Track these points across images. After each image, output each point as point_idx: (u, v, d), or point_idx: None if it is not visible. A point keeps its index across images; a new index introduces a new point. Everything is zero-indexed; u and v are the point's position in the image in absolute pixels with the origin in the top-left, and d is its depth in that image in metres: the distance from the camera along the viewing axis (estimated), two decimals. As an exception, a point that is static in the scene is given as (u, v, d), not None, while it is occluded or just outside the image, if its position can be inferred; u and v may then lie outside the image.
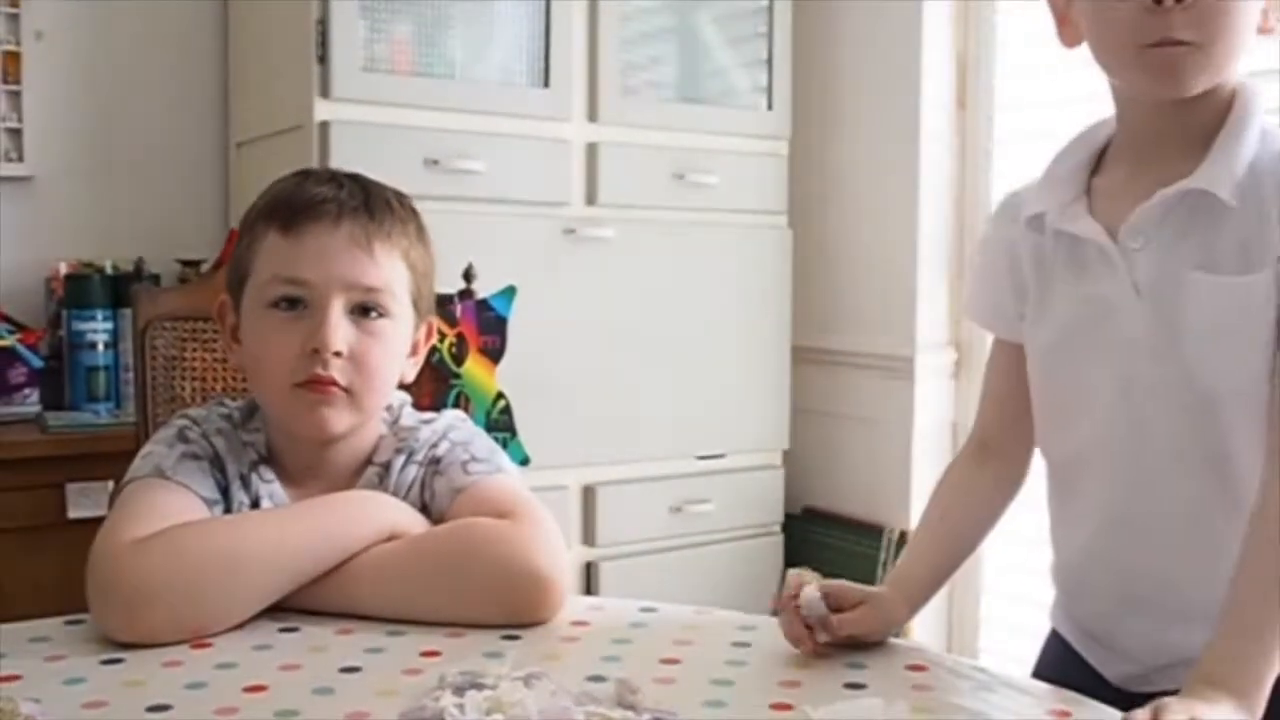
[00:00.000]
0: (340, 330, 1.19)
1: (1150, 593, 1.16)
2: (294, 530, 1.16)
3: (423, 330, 1.30)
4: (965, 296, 1.36)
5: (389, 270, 1.22)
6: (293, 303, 1.20)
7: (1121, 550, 1.20)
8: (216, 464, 1.24)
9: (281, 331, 1.20)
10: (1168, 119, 1.13)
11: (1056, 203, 1.20)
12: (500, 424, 2.24)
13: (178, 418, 1.28)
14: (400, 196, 1.28)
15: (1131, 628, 1.21)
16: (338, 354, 1.19)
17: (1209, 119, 1.12)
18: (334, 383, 1.19)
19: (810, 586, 1.08)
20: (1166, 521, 1.17)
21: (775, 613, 1.11)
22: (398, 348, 1.25)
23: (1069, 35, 1.18)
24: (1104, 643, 1.25)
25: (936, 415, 2.83)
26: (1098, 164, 1.21)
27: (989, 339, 1.37)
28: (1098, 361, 1.18)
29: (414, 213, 1.28)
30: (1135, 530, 1.19)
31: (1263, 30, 1.12)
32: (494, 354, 2.22)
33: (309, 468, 1.26)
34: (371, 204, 1.23)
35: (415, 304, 1.27)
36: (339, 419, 1.22)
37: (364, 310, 1.21)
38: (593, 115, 2.66)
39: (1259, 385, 1.10)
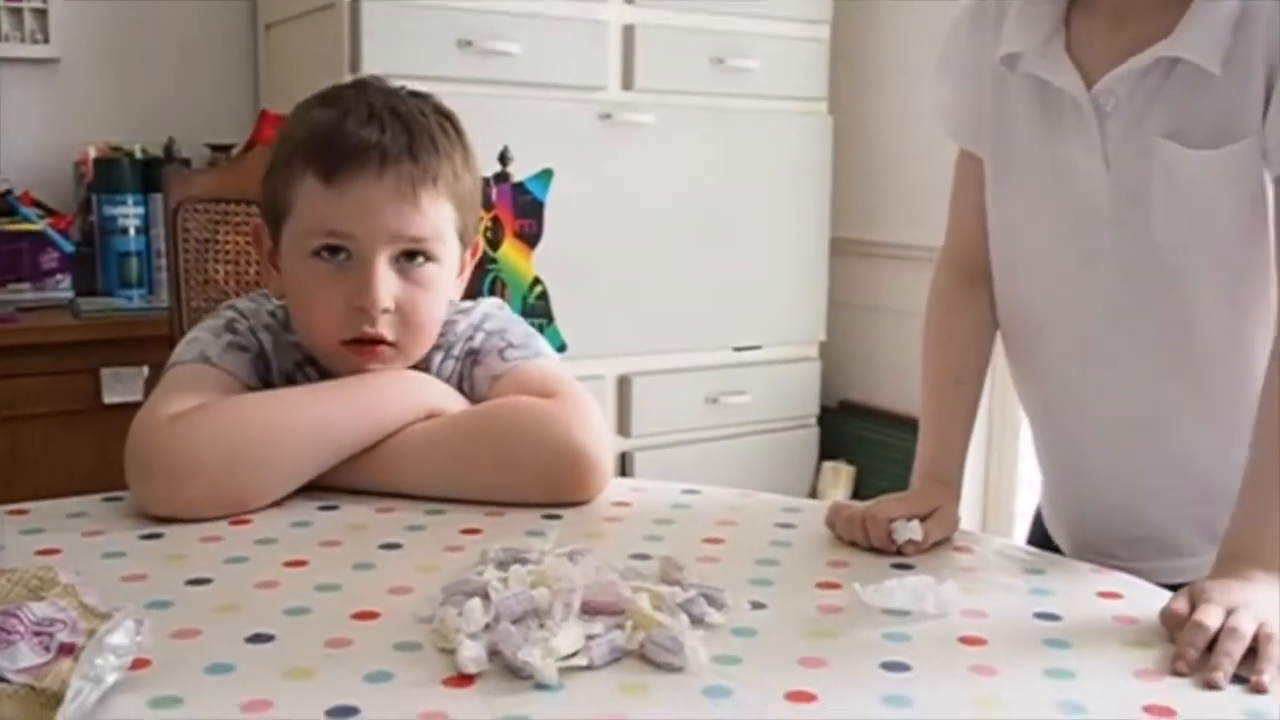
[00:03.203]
0: (386, 286, 1.15)
1: (1106, 469, 1.13)
2: (334, 405, 1.15)
3: (468, 252, 1.26)
4: (936, 100, 1.24)
5: (435, 217, 1.17)
6: (335, 251, 1.15)
7: (1074, 424, 1.17)
8: (261, 359, 1.23)
9: (326, 284, 1.16)
10: None
11: (1032, 40, 1.10)
12: (537, 310, 2.21)
13: (225, 308, 1.26)
14: (443, 121, 1.20)
15: (1091, 500, 1.20)
16: (385, 310, 1.16)
17: None
18: (382, 340, 1.17)
19: (906, 523, 1.04)
20: (1123, 394, 1.13)
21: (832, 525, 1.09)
22: (445, 289, 1.22)
23: None
24: (1064, 515, 1.24)
25: (977, 307, 2.78)
26: None
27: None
28: (1058, 227, 1.13)
29: (459, 137, 1.21)
30: (1089, 402, 1.15)
31: None
32: (530, 238, 2.18)
33: (354, 373, 1.22)
34: (416, 147, 1.16)
35: (461, 236, 1.22)
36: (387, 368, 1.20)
37: (409, 256, 1.17)
38: (630, -4, 2.60)
39: (1229, 256, 1.06)
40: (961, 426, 1.22)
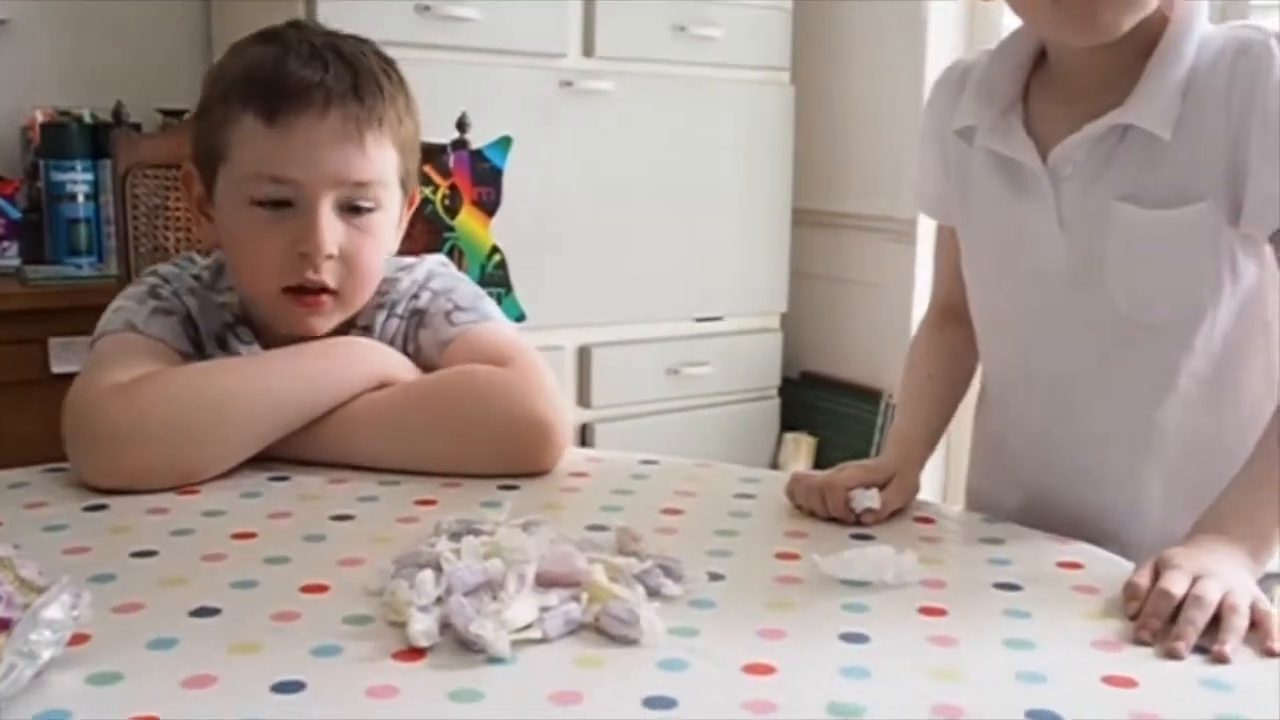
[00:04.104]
0: (331, 231, 1.12)
1: (1066, 525, 1.11)
2: (282, 374, 1.12)
3: (407, 201, 1.24)
4: (911, 177, 1.30)
5: (380, 161, 1.15)
6: (278, 201, 1.12)
7: (1040, 472, 1.18)
8: (189, 322, 1.20)
9: (267, 231, 1.13)
10: (1097, 55, 1.06)
11: (989, 115, 1.13)
12: (495, 279, 2.19)
13: (147, 274, 1.23)
14: (386, 65, 1.18)
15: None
16: (329, 256, 1.13)
17: (1142, 41, 1.04)
18: (324, 289, 1.14)
19: (864, 491, 1.03)
20: (1084, 454, 1.14)
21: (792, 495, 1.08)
22: (388, 236, 1.19)
23: None
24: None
25: (938, 278, 2.78)
26: (1038, 63, 1.14)
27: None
28: (1018, 288, 1.15)
29: (401, 82, 1.19)
30: (1051, 459, 1.16)
31: None
32: (489, 206, 2.15)
33: (282, 326, 1.19)
34: (360, 86, 1.13)
35: (403, 183, 1.20)
36: (327, 323, 1.17)
37: (354, 205, 1.14)
38: (591, -38, 2.56)
39: (1194, 317, 1.07)
40: (929, 405, 1.24)
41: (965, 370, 1.28)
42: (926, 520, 1.07)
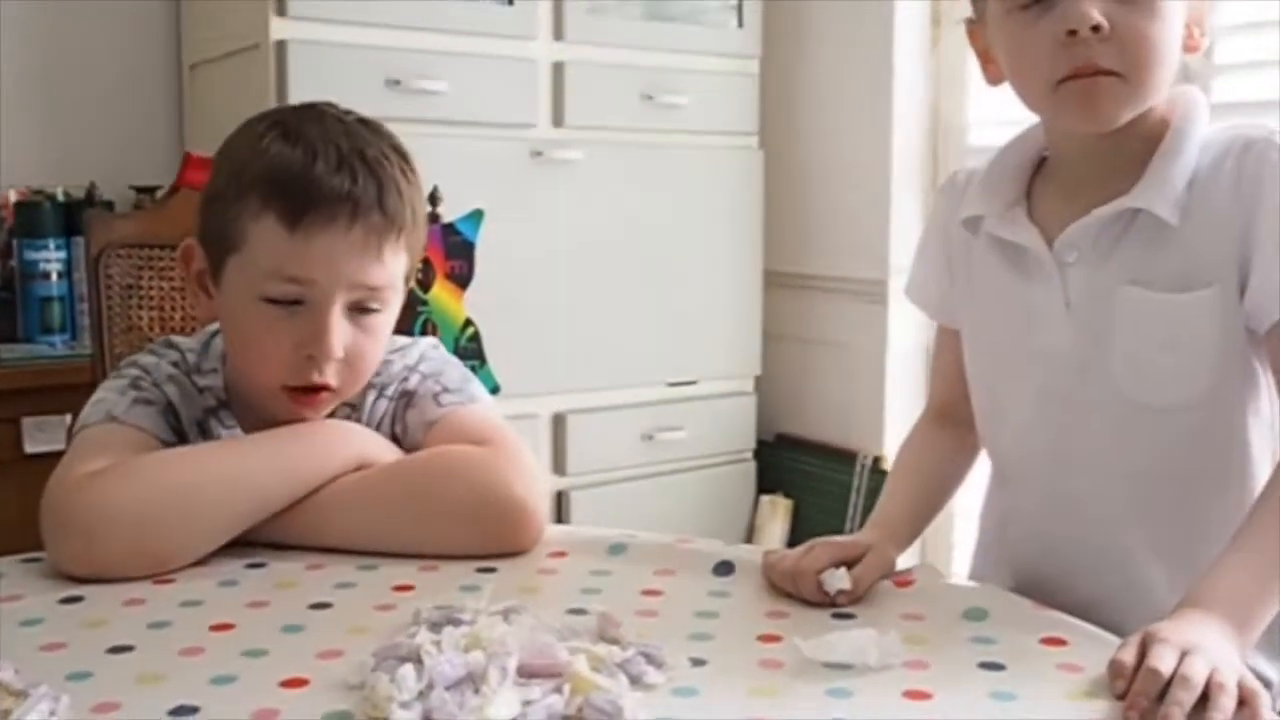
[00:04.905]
0: (340, 336, 1.12)
1: (1069, 613, 1.10)
2: (258, 458, 1.12)
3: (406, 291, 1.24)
4: (909, 278, 1.32)
5: (393, 267, 1.15)
6: (290, 301, 1.12)
7: (1039, 562, 1.17)
8: (170, 411, 1.19)
9: (276, 328, 1.12)
10: (1101, 146, 1.08)
11: (994, 207, 1.15)
12: (469, 351, 2.19)
13: (126, 367, 1.22)
14: (403, 164, 1.16)
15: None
16: (336, 359, 1.13)
17: (1144, 141, 1.07)
18: (326, 387, 1.14)
19: (836, 572, 1.02)
20: (1086, 539, 1.14)
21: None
22: (389, 332, 1.20)
23: (992, 73, 1.14)
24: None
25: (911, 339, 2.80)
26: (1042, 163, 1.17)
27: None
28: (1021, 372, 1.16)
29: (417, 182, 1.18)
30: (1053, 545, 1.16)
31: (1189, 49, 1.07)
32: (461, 280, 2.16)
33: (275, 415, 1.18)
34: (385, 199, 1.12)
35: (406, 279, 1.20)
36: (321, 415, 1.18)
37: (362, 304, 1.14)
38: (559, 33, 2.58)
39: (1201, 402, 1.07)
40: (913, 494, 1.24)
41: (955, 469, 1.29)
42: (906, 582, 1.06)
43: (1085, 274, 1.09)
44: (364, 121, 1.18)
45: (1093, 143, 1.09)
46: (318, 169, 1.10)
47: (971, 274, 1.20)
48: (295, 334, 1.12)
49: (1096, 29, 1.00)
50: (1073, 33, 1.01)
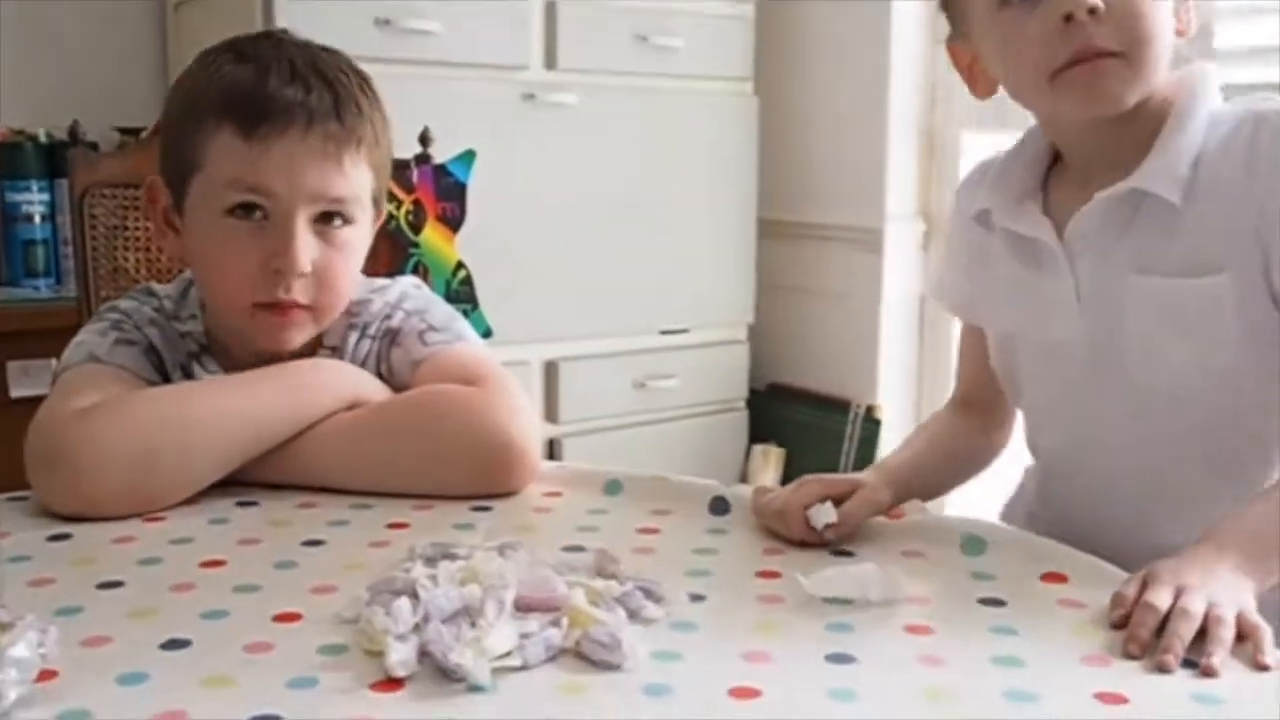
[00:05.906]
0: (306, 248, 1.11)
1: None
2: (253, 395, 1.11)
3: (375, 220, 1.22)
4: (935, 279, 1.32)
5: (356, 179, 1.13)
6: (250, 209, 1.10)
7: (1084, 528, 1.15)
8: (152, 352, 1.18)
9: (240, 244, 1.11)
10: (1105, 132, 1.06)
11: (1005, 200, 1.15)
12: (461, 295, 2.17)
13: (106, 310, 1.21)
14: (363, 83, 1.17)
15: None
16: (303, 273, 1.11)
17: (1148, 124, 1.05)
18: (296, 305, 1.12)
19: (822, 506, 1.00)
20: (1109, 527, 1.12)
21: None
22: (360, 253, 1.18)
23: (982, 85, 1.13)
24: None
25: (905, 288, 2.79)
26: (1057, 157, 1.16)
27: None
28: (1038, 364, 1.16)
29: (378, 101, 1.17)
30: (1081, 534, 1.12)
31: (1178, 33, 1.05)
32: (453, 222, 2.14)
33: (257, 356, 1.17)
34: (341, 107, 1.12)
35: (375, 201, 1.19)
36: (300, 336, 1.15)
37: (327, 218, 1.13)
38: (551, -28, 2.55)
39: (1223, 387, 1.05)
40: (920, 455, 1.22)
41: (969, 450, 1.28)
42: (897, 515, 1.06)
43: (1094, 263, 1.09)
44: (324, 48, 1.18)
45: (1096, 130, 1.07)
46: (271, 82, 1.10)
47: (987, 267, 1.20)
48: (261, 249, 1.11)
49: (1093, 11, 0.98)
50: (1069, 18, 0.99)
